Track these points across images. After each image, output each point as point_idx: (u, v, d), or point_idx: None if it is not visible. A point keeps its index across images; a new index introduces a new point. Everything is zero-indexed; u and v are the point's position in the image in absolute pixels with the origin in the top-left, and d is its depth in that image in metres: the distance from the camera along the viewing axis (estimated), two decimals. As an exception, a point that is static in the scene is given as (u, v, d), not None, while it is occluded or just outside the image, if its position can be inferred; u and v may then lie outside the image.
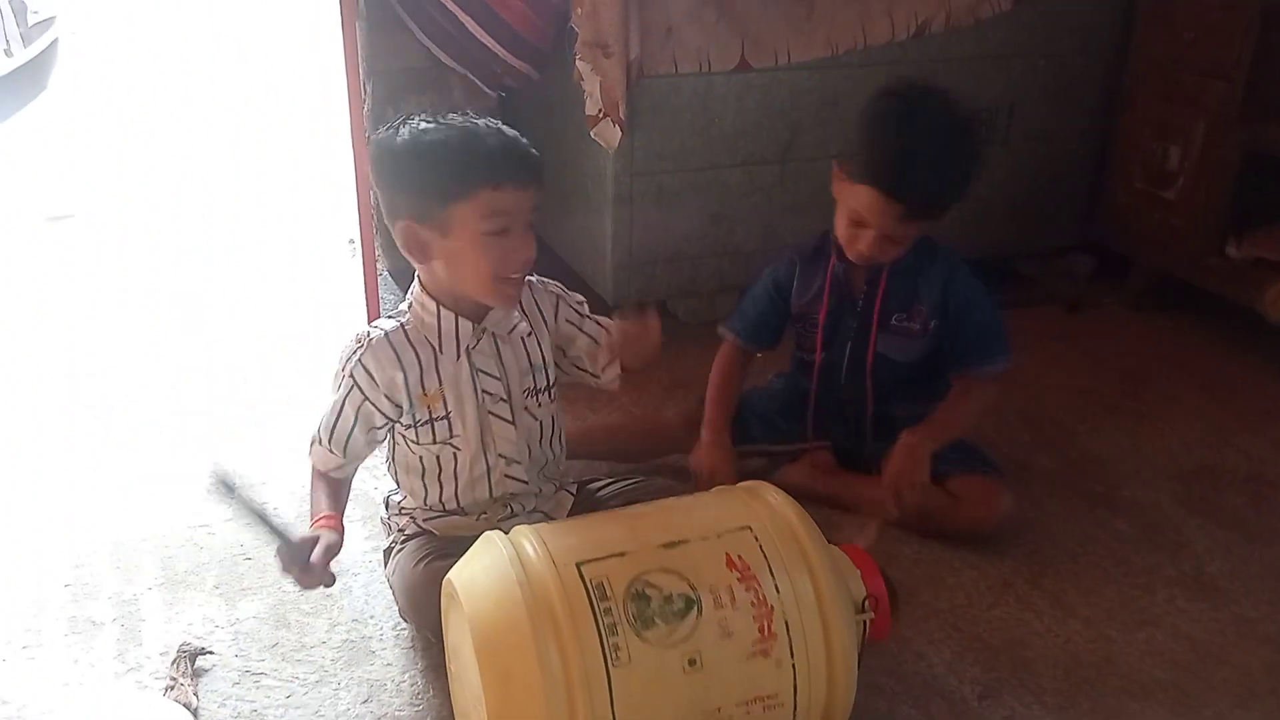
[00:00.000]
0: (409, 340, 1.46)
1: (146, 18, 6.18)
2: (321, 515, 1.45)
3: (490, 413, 1.49)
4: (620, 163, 2.29)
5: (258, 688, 1.47)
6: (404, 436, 1.50)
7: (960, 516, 1.77)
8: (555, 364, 1.56)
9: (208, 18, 6.29)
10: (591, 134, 2.22)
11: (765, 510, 1.29)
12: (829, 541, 1.31)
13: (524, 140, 1.41)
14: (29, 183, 3.65)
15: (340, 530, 1.43)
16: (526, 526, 1.27)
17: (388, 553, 1.59)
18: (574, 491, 1.64)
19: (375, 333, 1.46)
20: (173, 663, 1.48)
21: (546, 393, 1.55)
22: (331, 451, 1.47)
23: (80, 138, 4.18)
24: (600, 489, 1.64)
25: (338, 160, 2.84)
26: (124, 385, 2.28)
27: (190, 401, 2.22)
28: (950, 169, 1.67)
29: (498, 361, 1.49)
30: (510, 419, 1.51)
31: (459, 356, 1.46)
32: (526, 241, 1.41)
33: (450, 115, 1.41)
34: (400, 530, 1.58)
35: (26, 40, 4.82)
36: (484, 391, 1.48)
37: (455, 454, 1.50)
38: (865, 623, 1.28)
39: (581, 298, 1.60)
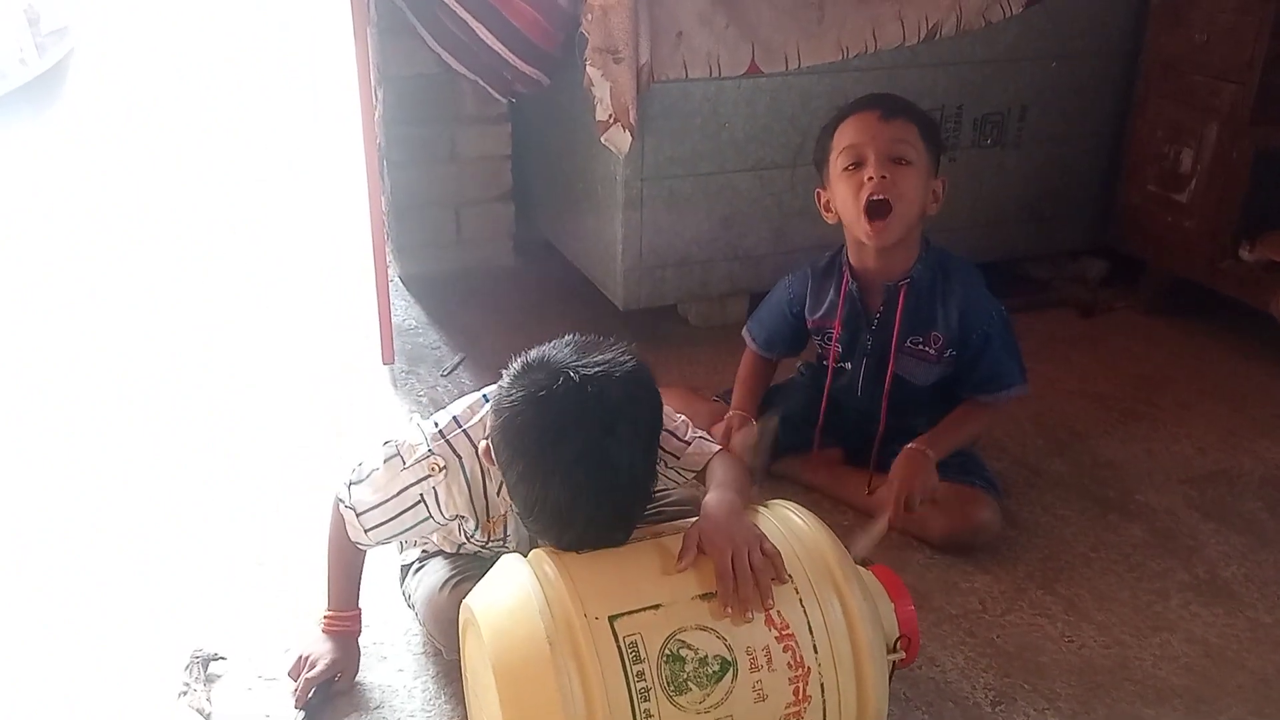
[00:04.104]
0: (480, 470, 1.36)
1: (158, 26, 6.21)
2: (341, 613, 1.49)
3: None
4: (630, 167, 2.29)
5: (271, 694, 1.47)
6: (462, 527, 1.44)
7: (938, 523, 1.76)
8: None
9: (220, 25, 6.32)
10: (602, 139, 2.22)
11: (801, 547, 1.24)
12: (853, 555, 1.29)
13: (630, 502, 1.24)
14: (41, 190, 3.67)
15: (357, 630, 1.50)
16: (550, 554, 1.22)
17: (405, 568, 1.58)
18: None
19: (451, 462, 1.35)
20: (186, 668, 1.48)
21: None
22: (367, 534, 1.41)
23: (93, 146, 4.20)
24: None
25: (350, 167, 2.85)
26: (127, 387, 2.29)
27: (196, 405, 2.22)
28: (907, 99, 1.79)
29: None
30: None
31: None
32: None
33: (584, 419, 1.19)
34: (423, 550, 1.57)
35: (41, 50, 4.85)
36: None
37: (501, 553, 1.46)
38: (895, 660, 1.26)
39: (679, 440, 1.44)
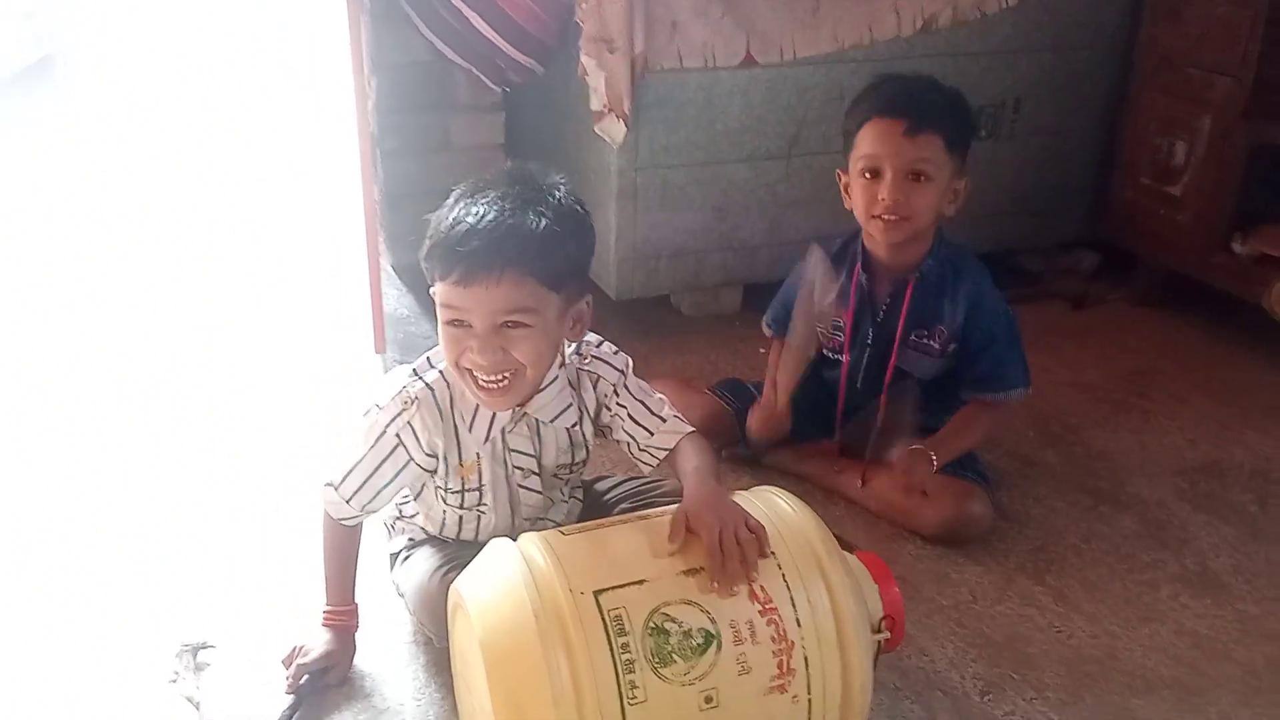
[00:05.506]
0: (452, 403, 1.40)
1: (158, 25, 6.18)
2: (337, 608, 1.49)
3: (521, 485, 1.47)
4: (625, 158, 2.29)
5: (260, 681, 1.47)
6: (437, 489, 1.47)
7: (927, 513, 1.76)
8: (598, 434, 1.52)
9: (220, 25, 6.30)
10: (596, 129, 2.21)
11: (785, 528, 1.25)
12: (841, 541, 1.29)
13: (526, 237, 1.25)
14: (41, 190, 3.66)
15: (354, 625, 1.50)
16: (538, 536, 1.23)
17: (394, 556, 1.58)
18: (581, 498, 1.61)
19: (423, 393, 1.39)
20: (176, 656, 1.48)
21: (583, 463, 1.52)
22: (349, 504, 1.43)
23: (93, 146, 4.19)
24: (608, 490, 1.61)
25: (343, 155, 2.83)
26: (127, 387, 2.27)
27: (196, 405, 2.21)
28: (939, 92, 1.73)
29: (534, 441, 1.45)
30: (540, 490, 1.49)
31: (486, 439, 1.42)
32: (486, 344, 1.28)
33: (511, 187, 1.30)
34: (410, 539, 1.57)
35: (40, 54, 4.85)
36: (515, 467, 1.45)
37: (480, 516, 1.48)
38: (880, 640, 1.27)
39: (622, 369, 1.48)
